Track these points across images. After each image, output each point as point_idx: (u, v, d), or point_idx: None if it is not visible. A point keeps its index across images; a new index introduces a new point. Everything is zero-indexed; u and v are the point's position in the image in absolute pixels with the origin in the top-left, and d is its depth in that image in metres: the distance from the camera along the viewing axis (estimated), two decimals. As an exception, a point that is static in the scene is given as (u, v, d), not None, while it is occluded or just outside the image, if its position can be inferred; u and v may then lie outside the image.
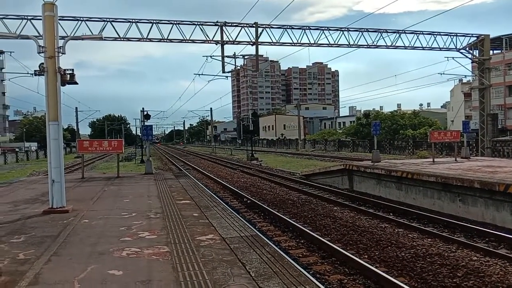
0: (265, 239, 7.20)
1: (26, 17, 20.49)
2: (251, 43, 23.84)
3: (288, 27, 24.75)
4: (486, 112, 28.55)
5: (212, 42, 23.63)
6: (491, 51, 32.12)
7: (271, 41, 24.44)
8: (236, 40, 23.82)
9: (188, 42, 23.61)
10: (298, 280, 4.95)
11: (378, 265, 7.76)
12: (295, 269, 5.41)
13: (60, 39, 9.88)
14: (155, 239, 6.97)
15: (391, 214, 12.34)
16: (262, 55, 26.80)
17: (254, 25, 23.64)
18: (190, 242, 6.71)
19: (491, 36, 29.11)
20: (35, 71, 10.04)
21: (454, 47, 27.48)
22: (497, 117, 32.34)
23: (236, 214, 9.36)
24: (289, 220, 11.40)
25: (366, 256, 8.36)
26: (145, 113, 33.66)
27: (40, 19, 9.82)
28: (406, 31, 26.26)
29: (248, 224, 8.37)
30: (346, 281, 6.98)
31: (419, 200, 13.61)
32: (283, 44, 24.90)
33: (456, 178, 12.00)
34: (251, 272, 5.24)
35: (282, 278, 5.02)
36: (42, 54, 9.54)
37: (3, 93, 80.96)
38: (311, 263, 7.98)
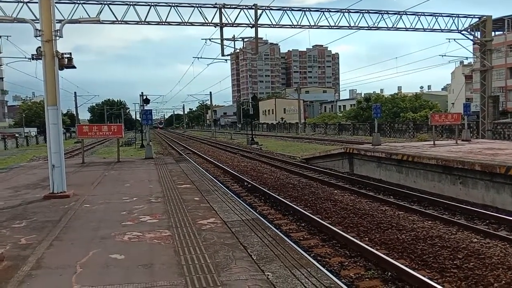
0: (266, 222, 7.23)
1: (22, 0, 20.20)
2: (251, 25, 23.54)
3: (288, 9, 24.43)
4: (487, 94, 28.42)
5: (211, 24, 23.35)
6: (493, 33, 31.76)
7: (270, 23, 24.13)
8: (235, 22, 23.54)
9: (186, 25, 23.35)
10: (299, 262, 4.97)
11: (379, 247, 7.79)
12: (296, 252, 5.43)
13: (57, 22, 9.74)
14: (157, 223, 6.98)
15: (391, 197, 12.37)
16: (262, 38, 26.54)
17: (254, 7, 23.30)
18: (192, 226, 6.73)
19: (493, 17, 28.72)
20: (32, 55, 9.93)
21: (456, 29, 27.17)
22: (498, 99, 32.19)
23: (237, 198, 9.38)
24: (289, 203, 11.42)
25: (367, 238, 8.40)
26: (144, 97, 33.50)
27: (37, 2, 9.64)
28: (408, 13, 25.93)
29: (249, 208, 8.39)
30: (347, 263, 7.01)
31: (419, 183, 13.63)
32: (283, 26, 24.57)
33: (457, 160, 11.98)
34: (253, 255, 5.25)
35: (284, 261, 5.04)
36: (39, 38, 9.41)
37: (1, 78, 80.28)
38: (312, 246, 8.01)
